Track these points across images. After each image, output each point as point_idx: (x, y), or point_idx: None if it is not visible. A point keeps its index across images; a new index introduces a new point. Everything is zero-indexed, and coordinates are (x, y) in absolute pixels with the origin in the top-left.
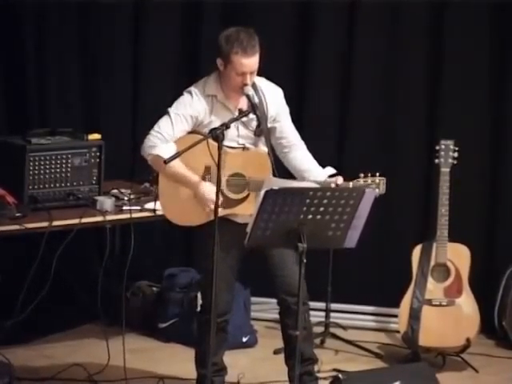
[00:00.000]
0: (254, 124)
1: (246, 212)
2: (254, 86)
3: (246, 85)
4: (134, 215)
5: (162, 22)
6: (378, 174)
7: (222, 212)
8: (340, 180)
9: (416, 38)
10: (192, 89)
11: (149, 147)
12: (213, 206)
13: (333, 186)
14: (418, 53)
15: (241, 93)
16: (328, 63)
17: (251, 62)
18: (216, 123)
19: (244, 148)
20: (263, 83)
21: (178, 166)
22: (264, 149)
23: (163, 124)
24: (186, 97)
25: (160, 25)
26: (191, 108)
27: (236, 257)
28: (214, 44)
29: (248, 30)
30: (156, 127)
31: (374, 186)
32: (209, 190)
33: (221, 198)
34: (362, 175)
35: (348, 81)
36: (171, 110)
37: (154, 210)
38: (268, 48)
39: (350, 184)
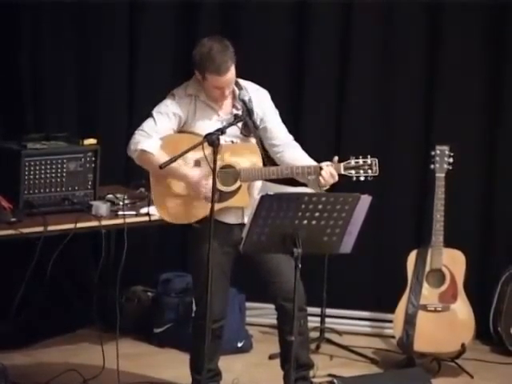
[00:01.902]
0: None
1: (240, 204)
2: (239, 86)
3: (226, 97)
4: (130, 220)
5: (157, 23)
6: (369, 156)
7: (216, 206)
8: (335, 158)
9: (413, 40)
10: (174, 91)
11: (133, 144)
12: (205, 193)
13: (326, 165)
14: (414, 57)
15: (223, 97)
16: (324, 64)
17: (225, 79)
18: (201, 121)
19: (232, 142)
20: (249, 85)
21: (165, 158)
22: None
23: (146, 123)
24: (167, 99)
25: (156, 26)
26: (173, 107)
27: (229, 260)
28: None
29: (220, 43)
30: (140, 127)
31: (366, 168)
32: (200, 175)
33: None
34: (354, 157)
35: (344, 83)
36: (153, 111)
37: (149, 215)
38: (264, 49)
39: (341, 165)
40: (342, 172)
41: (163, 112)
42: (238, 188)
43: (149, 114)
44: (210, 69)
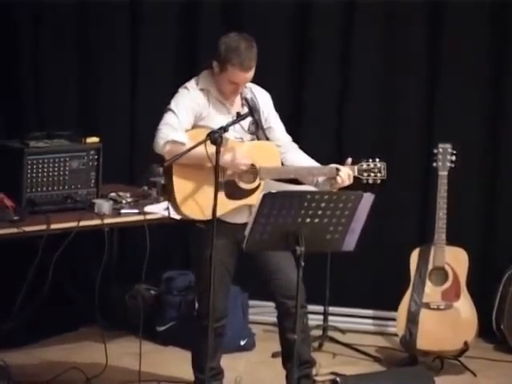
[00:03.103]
0: (248, 120)
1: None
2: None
3: (236, 94)
4: (132, 218)
5: (158, 23)
6: (377, 160)
7: (234, 204)
8: (349, 160)
9: (414, 39)
10: (186, 84)
11: (162, 138)
12: (246, 163)
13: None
14: (416, 55)
15: (234, 95)
16: (326, 64)
17: (246, 76)
18: (214, 115)
19: (242, 140)
20: (253, 86)
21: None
22: None
23: (168, 117)
24: (181, 91)
25: (158, 26)
26: (189, 100)
27: (232, 260)
28: (212, 45)
29: (248, 41)
30: (162, 122)
31: (376, 171)
32: (234, 152)
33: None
34: (364, 160)
35: (345, 81)
36: (171, 105)
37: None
38: (265, 49)
39: (355, 168)
40: (356, 174)
41: (181, 106)
42: (258, 186)
43: (167, 109)
44: (234, 61)
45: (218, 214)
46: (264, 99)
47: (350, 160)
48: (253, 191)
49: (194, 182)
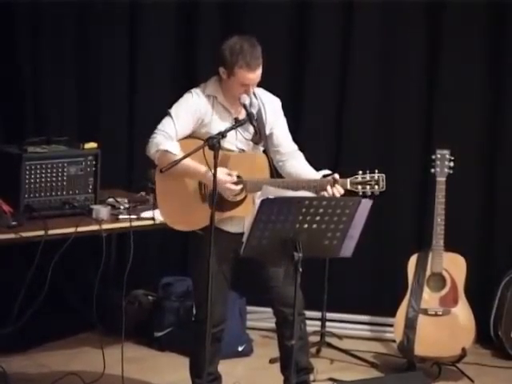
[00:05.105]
0: (252, 130)
1: (244, 214)
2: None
3: (247, 95)
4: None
5: (158, 24)
6: (376, 171)
7: (219, 215)
8: (337, 176)
9: (413, 40)
10: (192, 89)
11: (155, 144)
12: (232, 187)
13: (334, 179)
14: (415, 57)
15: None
16: (325, 65)
17: (255, 75)
18: (217, 122)
19: (243, 150)
20: (261, 92)
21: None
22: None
23: (166, 123)
24: (186, 96)
25: (156, 27)
26: (192, 106)
27: (229, 267)
28: (211, 47)
29: (251, 40)
30: (159, 126)
31: (372, 183)
32: (220, 173)
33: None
34: (361, 172)
35: (344, 84)
36: (172, 110)
37: (153, 218)
38: (265, 49)
39: (348, 181)
40: (349, 187)
41: (182, 113)
42: (244, 198)
43: (167, 113)
44: (241, 63)
45: (203, 224)
46: (272, 106)
47: (336, 175)
48: (239, 203)
49: (173, 191)
